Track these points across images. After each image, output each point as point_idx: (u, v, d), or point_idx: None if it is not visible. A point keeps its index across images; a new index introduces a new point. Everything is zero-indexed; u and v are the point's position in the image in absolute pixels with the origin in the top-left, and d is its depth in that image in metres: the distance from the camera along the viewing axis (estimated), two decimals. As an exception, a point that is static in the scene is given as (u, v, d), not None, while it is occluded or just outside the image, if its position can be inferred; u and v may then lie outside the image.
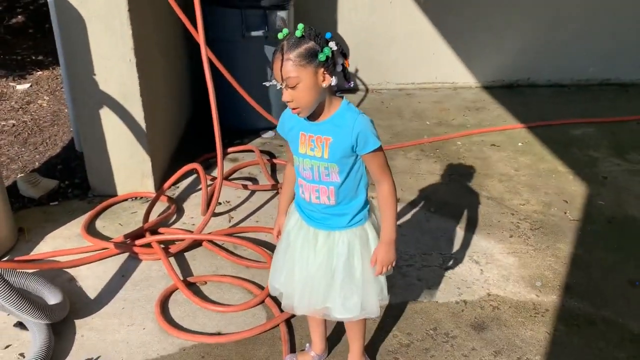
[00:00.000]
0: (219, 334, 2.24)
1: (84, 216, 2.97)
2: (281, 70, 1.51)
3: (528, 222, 3.05)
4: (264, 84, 1.62)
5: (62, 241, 2.80)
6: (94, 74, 2.89)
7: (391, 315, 2.36)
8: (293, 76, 1.50)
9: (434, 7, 4.81)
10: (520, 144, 4.01)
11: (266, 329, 2.23)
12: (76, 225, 2.91)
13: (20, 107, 4.15)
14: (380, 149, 1.66)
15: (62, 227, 2.91)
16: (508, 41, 4.94)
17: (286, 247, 1.84)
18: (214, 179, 3.35)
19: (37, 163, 3.48)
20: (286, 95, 1.54)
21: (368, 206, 1.80)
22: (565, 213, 3.14)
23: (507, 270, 2.66)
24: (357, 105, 4.73)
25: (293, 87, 1.52)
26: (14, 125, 3.88)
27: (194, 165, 3.17)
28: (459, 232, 2.96)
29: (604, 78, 5.14)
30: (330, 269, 1.77)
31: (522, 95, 4.99)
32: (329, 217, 1.74)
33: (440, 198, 3.29)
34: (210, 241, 2.76)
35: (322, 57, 1.52)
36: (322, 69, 1.53)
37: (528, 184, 3.45)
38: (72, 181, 3.30)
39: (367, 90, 5.08)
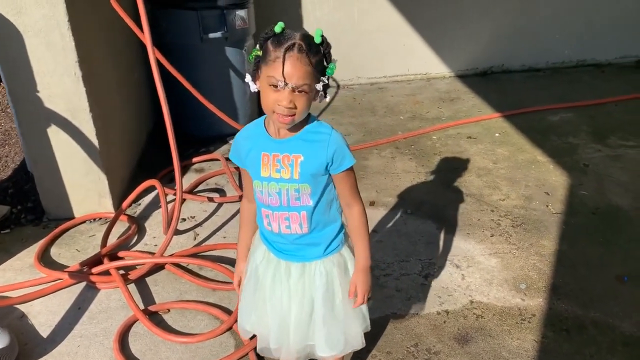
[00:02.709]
0: (183, 368, 2.07)
1: (37, 244, 2.76)
2: (296, 72, 1.32)
3: (509, 219, 2.91)
4: (253, 90, 1.43)
5: (13, 274, 2.60)
6: (37, 91, 2.68)
7: (369, 333, 2.18)
8: (308, 83, 1.34)
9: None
10: (497, 134, 3.87)
11: (233, 359, 2.05)
12: (29, 255, 2.70)
13: (-31, 128, 3.92)
14: (352, 168, 1.50)
15: (13, 257, 2.71)
16: (480, 28, 4.80)
17: (255, 284, 1.65)
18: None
19: (-14, 188, 3.27)
20: (287, 98, 1.35)
21: (344, 229, 1.63)
22: (547, 206, 3.00)
23: (489, 274, 2.52)
24: (329, 103, 4.57)
25: (299, 92, 1.35)
26: (-39, 147, 3.65)
27: (152, 181, 2.97)
28: (438, 234, 2.81)
29: (580, 59, 5.03)
30: (309, 304, 1.59)
31: (497, 83, 4.85)
32: (302, 247, 1.56)
33: (416, 198, 3.14)
34: (174, 263, 2.58)
35: (329, 72, 1.41)
36: (321, 84, 1.39)
37: (507, 177, 3.32)
38: (25, 205, 3.09)
39: (338, 86, 4.91)
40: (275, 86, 1.33)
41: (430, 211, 3.01)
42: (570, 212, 2.94)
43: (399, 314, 2.30)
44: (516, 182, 3.26)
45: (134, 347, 2.18)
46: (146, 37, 2.60)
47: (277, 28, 1.37)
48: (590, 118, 4.04)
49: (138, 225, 2.93)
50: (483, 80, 4.90)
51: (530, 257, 2.62)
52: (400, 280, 2.50)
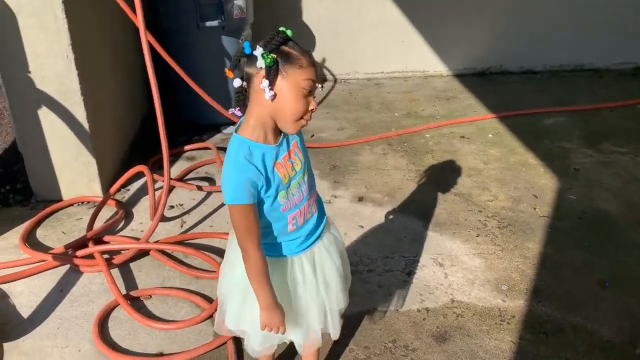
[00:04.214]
0: (160, 354, 2.07)
1: (23, 225, 2.77)
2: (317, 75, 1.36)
3: (496, 220, 2.92)
4: (268, 97, 1.33)
5: (-2, 253, 2.61)
6: (29, 72, 2.68)
7: (348, 326, 2.21)
8: None
9: (402, -7, 4.63)
10: (490, 135, 3.87)
11: (211, 348, 2.06)
12: (15, 235, 2.71)
13: (-38, 106, 3.91)
14: None
15: (-1, 237, 2.72)
16: (479, 28, 4.78)
17: (291, 299, 1.60)
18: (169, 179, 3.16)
19: (-24, 167, 3.27)
20: (315, 102, 1.38)
21: None
22: (535, 209, 3.01)
23: (472, 274, 2.53)
24: (325, 97, 4.56)
25: None
26: (-47, 125, 3.65)
27: (141, 167, 2.97)
28: (424, 232, 2.82)
29: (578, 64, 5.01)
30: (339, 267, 1.67)
31: (494, 83, 4.84)
32: (319, 214, 1.59)
33: (405, 195, 3.14)
34: (159, 250, 2.58)
35: None
36: None
37: (497, 178, 3.32)
38: (14, 186, 3.09)
39: (335, 80, 4.90)
40: (310, 91, 1.34)
41: (417, 209, 3.01)
42: (558, 215, 2.95)
43: (379, 309, 2.31)
44: (506, 183, 3.26)
45: (114, 331, 2.19)
46: (139, 20, 2.59)
47: (290, 32, 1.34)
48: (584, 123, 4.04)
49: (126, 210, 2.93)
50: (480, 81, 4.90)
51: (514, 259, 2.63)
52: (383, 276, 2.51)
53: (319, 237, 1.60)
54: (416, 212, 2.98)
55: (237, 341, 2.10)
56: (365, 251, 2.66)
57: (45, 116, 2.79)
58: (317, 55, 4.81)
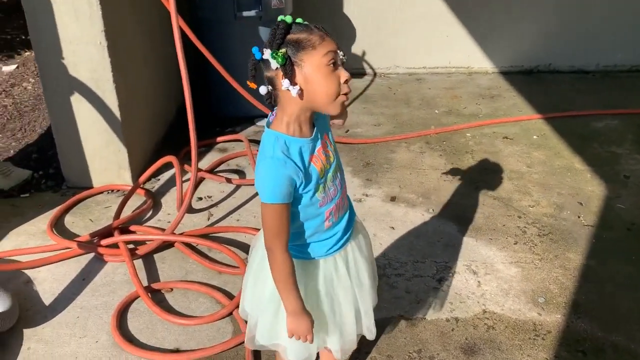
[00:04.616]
0: (177, 350, 2.03)
1: (53, 211, 2.78)
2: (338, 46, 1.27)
3: (536, 227, 2.75)
4: (294, 94, 1.25)
5: (26, 238, 2.62)
6: (63, 58, 2.67)
7: (371, 333, 2.11)
8: None
9: (448, -14, 4.47)
10: (535, 136, 3.68)
11: (229, 346, 2.00)
12: (43, 221, 2.72)
13: (4, 90, 3.97)
14: None
15: (28, 222, 2.73)
16: (529, 23, 4.56)
17: (328, 304, 1.53)
18: (198, 170, 3.13)
19: (12, 151, 3.30)
20: (347, 72, 1.28)
21: None
22: (579, 217, 2.83)
23: (507, 284, 2.38)
24: (363, 91, 4.45)
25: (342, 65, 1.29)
26: (-7, 109, 3.71)
27: (170, 157, 2.94)
28: (458, 237, 2.68)
29: (633, 64, 4.73)
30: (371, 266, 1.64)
31: (542, 82, 4.62)
32: (350, 212, 1.53)
33: (441, 197, 3.01)
34: (184, 242, 2.54)
35: None
36: None
37: (540, 182, 3.14)
38: (47, 171, 3.11)
39: (374, 74, 4.78)
40: (335, 63, 1.25)
41: (453, 212, 2.88)
42: (603, 225, 2.76)
43: (405, 316, 2.20)
44: (549, 188, 3.08)
45: (132, 324, 2.15)
46: (170, 5, 2.53)
47: (288, 19, 1.26)
48: (638, 127, 3.79)
49: (154, 200, 2.91)
50: (528, 79, 4.68)
51: (553, 269, 2.47)
52: (412, 281, 2.39)
53: (351, 234, 1.53)
54: (451, 215, 2.85)
55: (255, 342, 2.04)
56: (395, 254, 2.56)
57: (78, 103, 2.78)
58: (356, 48, 4.69)
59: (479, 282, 2.40)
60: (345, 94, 1.28)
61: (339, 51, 1.26)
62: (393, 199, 2.99)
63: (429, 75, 4.78)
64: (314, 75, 1.24)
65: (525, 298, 2.30)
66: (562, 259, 2.53)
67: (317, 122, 1.39)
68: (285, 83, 1.23)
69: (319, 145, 1.37)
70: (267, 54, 1.23)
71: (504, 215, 2.85)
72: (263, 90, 1.30)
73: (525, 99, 4.28)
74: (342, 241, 1.50)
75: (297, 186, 1.32)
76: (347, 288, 1.53)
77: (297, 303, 1.39)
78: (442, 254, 2.56)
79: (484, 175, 3.23)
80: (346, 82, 1.27)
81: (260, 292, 1.53)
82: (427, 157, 3.44)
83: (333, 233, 1.47)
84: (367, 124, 3.90)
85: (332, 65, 1.24)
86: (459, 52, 4.71)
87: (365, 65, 4.77)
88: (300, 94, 1.26)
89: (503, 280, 2.40)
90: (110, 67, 2.71)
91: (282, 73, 1.23)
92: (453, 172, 3.26)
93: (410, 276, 2.42)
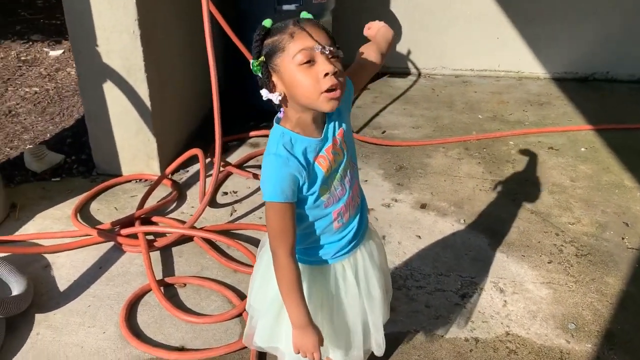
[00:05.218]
0: (182, 348, 1.99)
1: (79, 196, 2.80)
2: (321, 34, 1.18)
3: (574, 246, 2.57)
4: (276, 101, 1.23)
5: (51, 222, 2.65)
6: (97, 45, 2.68)
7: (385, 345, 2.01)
8: (333, 43, 1.19)
9: (501, -15, 4.26)
10: (583, 149, 3.46)
11: (233, 349, 1.95)
12: (70, 206, 2.74)
13: (48, 74, 4.06)
14: None
15: (55, 206, 2.76)
16: (586, 28, 4.31)
17: (333, 313, 1.47)
18: (226, 164, 3.10)
19: (48, 134, 3.36)
20: (329, 63, 1.16)
21: None
22: (623, 239, 2.63)
23: (536, 305, 2.23)
24: (405, 91, 4.32)
25: (334, 58, 1.18)
26: (36, 92, 3.79)
27: (196, 150, 2.91)
28: (488, 252, 2.54)
29: (701, 76, 4.40)
30: (381, 275, 1.54)
31: (597, 91, 4.36)
32: (362, 216, 1.45)
33: (474, 207, 2.86)
34: (203, 237, 2.50)
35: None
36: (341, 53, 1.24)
37: (584, 198, 2.94)
38: (79, 157, 3.15)
39: (419, 74, 4.63)
40: (309, 61, 1.16)
41: (486, 224, 2.73)
42: (650, 250, 2.56)
43: (422, 332, 2.09)
44: (593, 205, 2.88)
45: (141, 317, 2.13)
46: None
47: (267, 23, 1.20)
48: (700, 145, 3.52)
49: (180, 192, 2.89)
50: (581, 87, 4.43)
51: (589, 293, 2.29)
52: (433, 295, 2.27)
53: (362, 237, 1.46)
54: (483, 228, 2.70)
55: (261, 347, 1.98)
56: (418, 265, 2.44)
57: (110, 90, 2.79)
58: (401, 47, 4.55)
59: (505, 301, 2.25)
60: (331, 89, 1.18)
61: (317, 45, 1.15)
62: (423, 206, 2.87)
63: (476, 78, 4.59)
64: (290, 78, 1.19)
65: (554, 323, 2.15)
66: (600, 283, 2.35)
67: (331, 117, 1.32)
68: (264, 93, 1.21)
69: (327, 145, 1.30)
70: (251, 64, 1.20)
71: (540, 231, 2.68)
72: (264, 93, 1.24)
73: (576, 108, 4.04)
74: (352, 244, 1.43)
75: (301, 185, 1.26)
76: (354, 298, 1.45)
77: (302, 316, 1.31)
78: (468, 268, 2.43)
79: (523, 187, 3.06)
80: (327, 75, 1.16)
81: (265, 292, 1.47)
82: (465, 164, 3.29)
83: (343, 235, 1.40)
84: (406, 125, 3.77)
85: (306, 64, 1.16)
86: (510, 55, 4.50)
87: (410, 65, 4.63)
88: (285, 98, 1.21)
89: (532, 301, 2.25)
90: (143, 57, 2.69)
91: (260, 82, 1.21)
92: (490, 181, 3.10)
93: (432, 290, 2.30)
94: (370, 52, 1.45)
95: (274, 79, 1.21)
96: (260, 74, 1.21)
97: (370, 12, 4.43)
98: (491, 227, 2.71)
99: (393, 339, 2.05)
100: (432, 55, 4.56)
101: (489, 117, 3.92)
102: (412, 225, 2.71)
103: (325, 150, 1.29)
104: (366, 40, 1.53)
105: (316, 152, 1.28)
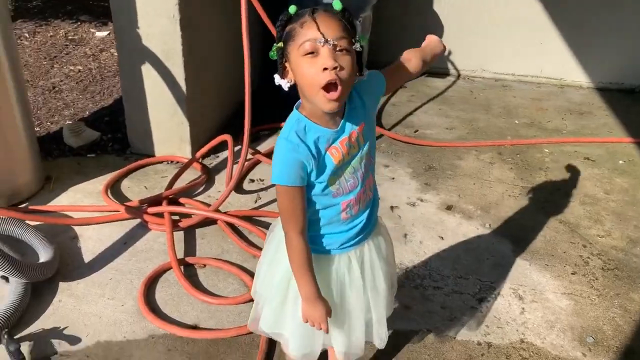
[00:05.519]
0: (195, 327, 2.03)
1: (112, 173, 2.88)
2: (331, 25, 1.16)
3: (601, 260, 2.51)
4: (285, 87, 1.26)
5: (82, 196, 2.74)
6: (138, 28, 2.75)
7: (394, 343, 2.01)
8: (346, 37, 1.18)
9: (548, -10, 4.16)
10: (621, 162, 3.36)
11: (244, 332, 1.98)
12: (102, 182, 2.82)
13: (92, 54, 4.19)
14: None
15: (88, 181, 2.85)
16: (635, 37, 4.17)
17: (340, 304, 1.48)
18: (255, 152, 3.13)
19: (87, 112, 3.47)
20: (330, 57, 1.15)
21: None
22: (654, 256, 2.55)
23: (554, 315, 2.18)
24: (442, 92, 4.27)
25: (340, 51, 1.17)
26: (79, 71, 3.91)
27: (225, 136, 2.95)
28: (511, 258, 2.50)
29: None
30: (386, 271, 1.54)
31: (643, 104, 4.22)
32: (372, 211, 1.46)
33: (501, 213, 2.81)
34: (226, 221, 2.54)
35: (362, 40, 1.25)
36: (359, 45, 1.23)
37: (616, 212, 2.86)
38: (115, 135, 3.24)
39: (458, 76, 4.57)
40: (312, 52, 1.17)
41: (511, 230, 2.68)
42: (681, 269, 2.47)
43: (434, 332, 2.08)
44: (625, 220, 2.80)
45: (159, 293, 2.19)
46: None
47: (291, 9, 1.22)
48: None
49: (209, 176, 2.94)
50: (626, 98, 4.29)
51: (611, 308, 2.23)
52: (450, 297, 2.25)
53: (371, 231, 1.46)
54: (508, 234, 2.66)
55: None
56: (437, 266, 2.42)
57: (148, 72, 2.86)
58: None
59: (523, 308, 2.21)
60: (329, 86, 1.18)
61: (320, 37, 1.15)
62: (449, 207, 2.84)
63: (517, 83, 4.50)
64: (296, 68, 1.21)
65: (572, 334, 2.10)
66: (624, 298, 2.29)
67: (353, 110, 1.32)
68: (276, 77, 1.24)
69: (342, 137, 1.30)
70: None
71: (567, 241, 2.62)
72: (276, 78, 1.27)
73: (618, 119, 3.92)
74: (359, 237, 1.44)
75: (309, 172, 1.28)
76: (359, 290, 1.46)
77: (312, 289, 1.35)
78: (489, 273, 2.40)
79: (554, 196, 2.99)
80: (326, 69, 1.16)
81: (271, 278, 1.50)
82: (496, 169, 3.23)
83: (351, 226, 1.41)
84: (439, 126, 3.73)
85: (310, 54, 1.17)
86: (553, 61, 4.39)
87: (450, 66, 4.58)
88: (296, 87, 1.24)
89: (550, 311, 2.21)
90: (181, 41, 2.75)
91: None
92: (521, 187, 3.05)
93: (449, 291, 2.28)
94: (413, 58, 1.45)
95: (287, 65, 1.23)
96: (275, 59, 1.24)
97: (413, 11, 4.40)
98: (516, 234, 2.66)
99: (404, 337, 2.05)
100: (473, 57, 4.50)
101: (526, 123, 3.84)
102: (435, 226, 2.69)
103: (340, 142, 1.30)
104: (408, 42, 1.55)
105: (329, 142, 1.29)
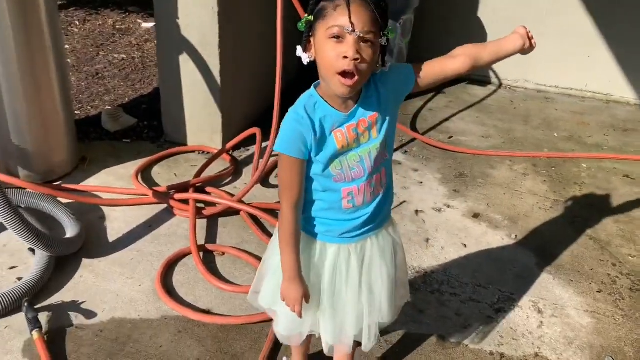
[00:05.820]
0: (207, 311, 2.06)
1: (144, 159, 2.96)
2: (362, 16, 1.17)
3: (630, 279, 2.42)
4: (305, 61, 1.28)
5: (114, 179, 2.81)
6: (177, 18, 2.81)
7: (404, 345, 1.99)
8: (374, 31, 1.19)
9: (598, 1, 4.03)
10: (663, 181, 3.23)
11: (253, 321, 2.00)
12: (134, 166, 2.90)
13: (137, 44, 4.31)
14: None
15: (121, 164, 2.94)
16: (689, 55, 4.01)
17: (331, 293, 1.47)
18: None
19: (127, 99, 3.57)
20: (353, 47, 1.17)
21: None
22: (688, 281, 2.44)
23: (574, 332, 2.12)
24: (481, 100, 4.20)
25: (365, 43, 1.19)
26: (123, 59, 4.03)
27: (255, 129, 2.99)
28: (534, 271, 2.43)
29: None
30: (388, 271, 1.49)
31: (693, 125, 4.04)
32: (380, 210, 1.43)
33: (529, 224, 2.75)
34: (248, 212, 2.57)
35: (391, 34, 1.25)
36: (385, 39, 1.24)
37: (652, 232, 2.75)
38: (151, 123, 3.32)
39: (500, 85, 4.49)
40: (338, 37, 1.18)
41: (537, 243, 2.62)
42: None
43: (446, 338, 2.04)
44: (660, 241, 2.69)
45: (177, 277, 2.23)
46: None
47: None
48: None
49: (237, 168, 2.98)
50: (676, 118, 4.12)
51: (635, 330, 2.15)
52: (466, 304, 2.21)
53: (376, 227, 1.45)
54: (534, 246, 2.59)
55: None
56: (457, 273, 2.38)
57: (185, 63, 2.92)
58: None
59: (541, 322, 2.15)
60: (346, 74, 1.19)
61: (348, 25, 1.16)
62: (475, 215, 2.79)
63: (559, 96, 4.38)
64: (319, 46, 1.22)
65: (590, 353, 2.03)
66: (650, 321, 2.20)
67: (369, 98, 1.31)
68: (299, 49, 1.25)
69: (351, 122, 1.31)
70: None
71: (595, 258, 2.54)
72: (299, 50, 1.28)
73: (665, 138, 3.77)
74: (361, 230, 1.42)
75: (309, 147, 1.29)
76: (353, 286, 1.44)
77: (292, 268, 1.37)
78: (509, 284, 2.34)
79: (586, 212, 2.90)
80: (346, 58, 1.17)
81: (274, 259, 1.50)
82: (529, 180, 3.16)
83: (353, 217, 1.40)
84: (475, 134, 3.67)
85: (335, 38, 1.18)
86: (599, 76, 4.25)
87: (491, 74, 4.50)
88: (313, 63, 1.25)
89: (570, 327, 2.14)
90: (219, 33, 2.80)
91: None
92: (553, 201, 2.97)
93: (466, 299, 2.24)
94: (462, 55, 1.37)
95: (311, 40, 1.25)
96: (303, 31, 1.25)
97: (456, 16, 4.35)
98: (543, 247, 2.59)
99: (415, 340, 2.02)
100: (516, 67, 4.40)
101: (565, 137, 3.74)
102: (459, 233, 2.65)
103: (347, 127, 1.30)
104: (450, 47, 1.43)
105: (336, 124, 1.29)
